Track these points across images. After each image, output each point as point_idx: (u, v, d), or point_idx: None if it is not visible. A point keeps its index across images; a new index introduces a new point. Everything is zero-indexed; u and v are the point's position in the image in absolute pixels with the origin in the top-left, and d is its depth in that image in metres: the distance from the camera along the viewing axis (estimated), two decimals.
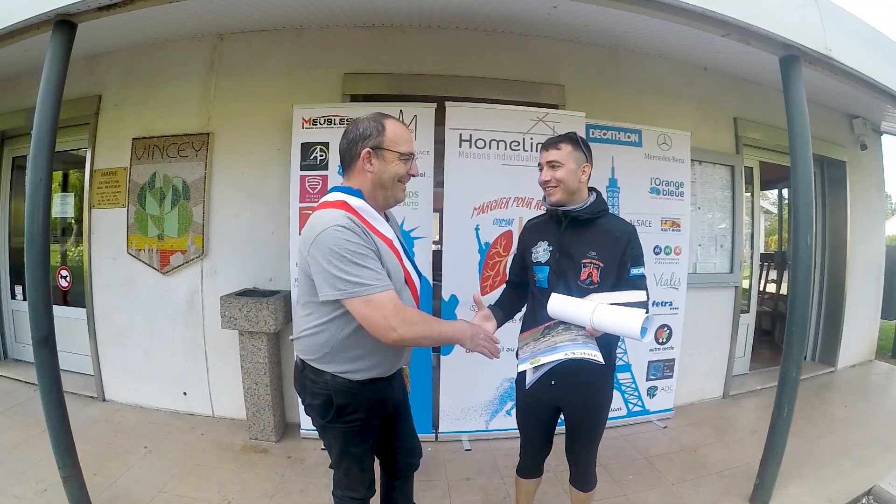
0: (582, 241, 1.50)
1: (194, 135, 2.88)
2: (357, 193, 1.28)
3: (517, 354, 1.58)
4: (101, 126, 3.11)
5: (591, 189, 1.58)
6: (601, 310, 1.28)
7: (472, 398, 2.77)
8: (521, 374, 1.47)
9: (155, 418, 3.00)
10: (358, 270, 1.17)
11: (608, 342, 1.43)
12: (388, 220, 1.42)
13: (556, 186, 1.50)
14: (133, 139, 2.97)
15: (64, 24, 1.86)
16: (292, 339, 1.43)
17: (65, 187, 3.81)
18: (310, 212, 2.35)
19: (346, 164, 1.34)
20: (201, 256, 2.89)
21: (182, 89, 2.96)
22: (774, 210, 7.70)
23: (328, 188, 1.88)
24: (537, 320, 1.51)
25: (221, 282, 2.87)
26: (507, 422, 2.73)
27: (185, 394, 3.03)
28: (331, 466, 1.46)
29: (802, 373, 3.99)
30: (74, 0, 1.76)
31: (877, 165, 4.83)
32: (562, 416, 1.66)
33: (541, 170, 1.55)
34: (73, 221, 3.67)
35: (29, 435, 2.67)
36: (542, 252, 1.55)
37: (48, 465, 2.31)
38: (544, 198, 1.57)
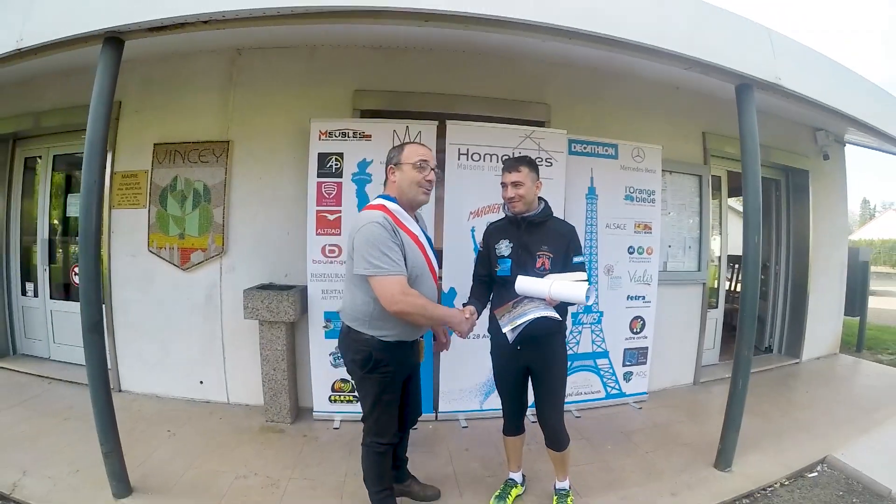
0: (536, 239, 2.09)
1: (215, 142, 3.34)
2: (393, 199, 1.88)
3: (489, 330, 2.22)
4: (122, 130, 3.50)
5: (540, 198, 2.18)
6: (556, 284, 1.87)
7: (467, 381, 3.29)
8: (496, 346, 2.20)
9: (172, 406, 3.39)
10: (380, 257, 1.73)
11: (560, 308, 1.98)
12: (417, 220, 1.99)
13: (518, 201, 2.08)
14: (154, 144, 3.39)
15: (113, 40, 2.14)
16: (339, 312, 2.00)
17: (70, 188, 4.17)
18: (325, 214, 2.88)
19: (385, 181, 1.94)
20: (221, 254, 3.34)
21: (202, 99, 3.40)
22: None
23: (371, 197, 2.46)
24: (503, 300, 2.06)
25: (239, 277, 3.33)
26: (499, 402, 3.06)
27: (201, 382, 3.45)
28: (363, 419, 1.98)
29: (769, 364, 4.73)
30: (127, 21, 2.05)
31: (839, 174, 5.51)
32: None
33: (504, 188, 2.13)
34: None
35: (49, 424, 3.01)
36: (504, 248, 2.12)
37: (75, 450, 2.69)
38: (505, 206, 2.16)
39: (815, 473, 2.90)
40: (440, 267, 3.31)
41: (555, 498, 2.30)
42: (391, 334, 1.87)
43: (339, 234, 3.08)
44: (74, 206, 4.03)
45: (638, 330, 3.66)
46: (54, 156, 4.06)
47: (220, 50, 3.39)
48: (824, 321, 5.36)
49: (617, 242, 3.56)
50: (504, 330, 1.93)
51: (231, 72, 3.37)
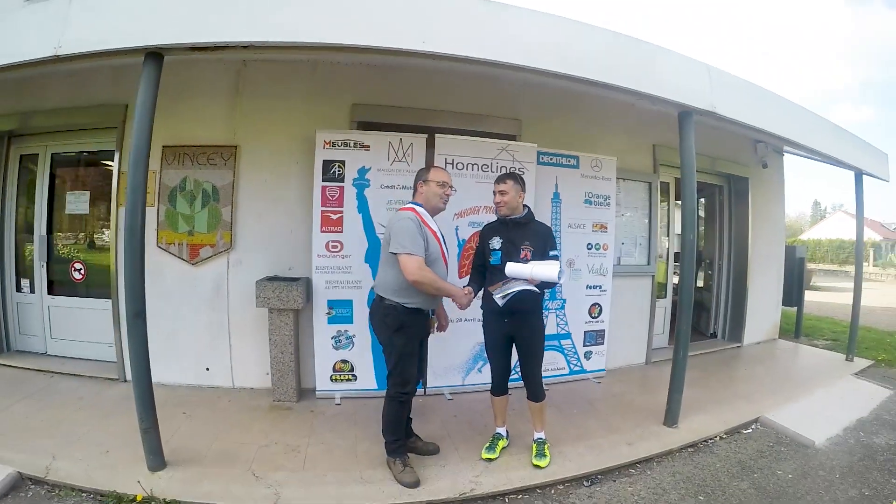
0: (520, 236, 2.76)
1: (223, 146, 3.75)
2: (419, 205, 2.58)
3: (482, 306, 2.90)
4: (129, 132, 3.73)
5: (525, 205, 2.87)
6: (537, 267, 2.56)
7: (451, 360, 3.87)
8: (487, 321, 2.89)
9: (180, 392, 3.74)
10: (407, 242, 2.45)
11: (539, 286, 2.65)
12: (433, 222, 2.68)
13: (503, 206, 2.79)
14: (163, 146, 3.70)
15: (154, 55, 2.44)
16: (373, 287, 2.65)
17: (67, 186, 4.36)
18: (329, 214, 3.45)
19: (414, 190, 2.75)
20: (228, 250, 3.76)
21: (209, 104, 3.78)
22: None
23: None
24: (494, 280, 2.73)
25: (246, 271, 3.76)
26: (478, 378, 3.87)
27: (207, 369, 3.84)
28: (388, 375, 2.59)
29: (713, 347, 5.60)
30: (169, 42, 2.37)
31: (777, 180, 6.44)
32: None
33: (495, 195, 2.83)
34: (86, 218, 4.35)
35: (63, 413, 3.26)
36: (496, 242, 2.81)
37: (97, 435, 2.98)
38: (496, 210, 2.85)
39: (750, 430, 3.64)
40: None
41: (534, 446, 2.91)
42: (413, 301, 2.57)
43: (342, 232, 3.58)
44: (73, 204, 4.30)
45: (596, 315, 4.39)
46: (52, 154, 4.27)
47: (227, 60, 3.73)
48: (763, 311, 6.25)
49: (577, 240, 4.25)
50: (496, 298, 2.66)
51: (237, 81, 3.77)
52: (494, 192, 2.84)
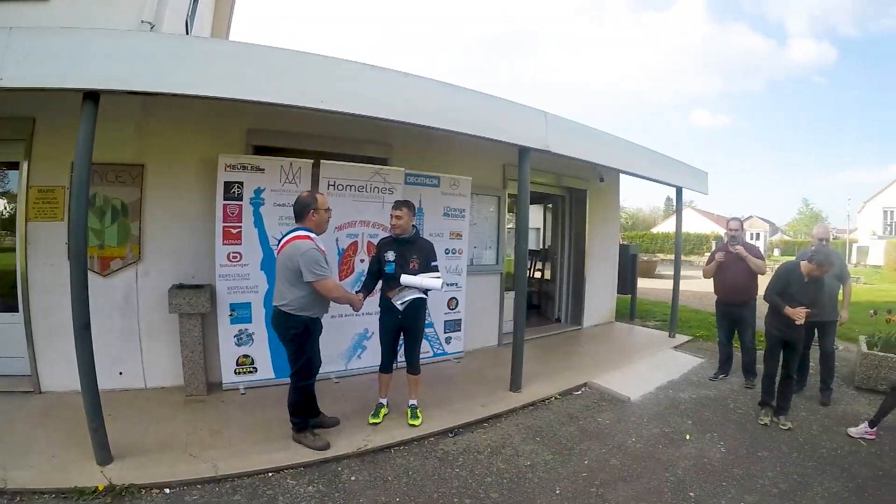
0: (410, 251, 3.91)
1: (130, 165, 4.47)
2: (310, 230, 3.49)
3: (380, 305, 4.13)
4: (37, 147, 4.31)
5: (414, 226, 4.00)
6: (426, 279, 3.79)
7: (336, 348, 5.02)
8: (384, 316, 4.11)
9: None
10: (319, 269, 3.38)
11: (425, 292, 3.92)
12: None
13: (397, 227, 3.89)
14: (72, 163, 3.90)
15: (93, 95, 3.10)
16: (275, 304, 3.51)
17: None
18: (230, 229, 4.85)
19: (301, 216, 3.55)
20: (137, 261, 4.53)
21: (117, 125, 4.26)
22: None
23: (294, 227, 3.70)
24: (391, 287, 3.87)
25: (153, 280, 4.57)
26: (359, 363, 5.14)
27: (121, 373, 4.54)
28: (293, 372, 3.58)
29: (557, 330, 7.92)
30: (106, 87, 3.05)
31: (613, 191, 8.55)
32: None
33: (391, 217, 3.93)
34: None
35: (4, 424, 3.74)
36: (390, 255, 3.91)
37: (38, 444, 3.49)
38: (391, 229, 3.95)
39: (580, 392, 5.20)
40: None
41: (409, 411, 4.14)
42: (315, 313, 3.57)
43: (241, 244, 4.57)
44: None
45: (454, 307, 5.91)
46: None
47: None
48: (601, 298, 8.29)
49: (437, 246, 5.22)
50: (395, 303, 3.87)
51: (144, 103, 4.39)
52: (391, 216, 3.97)
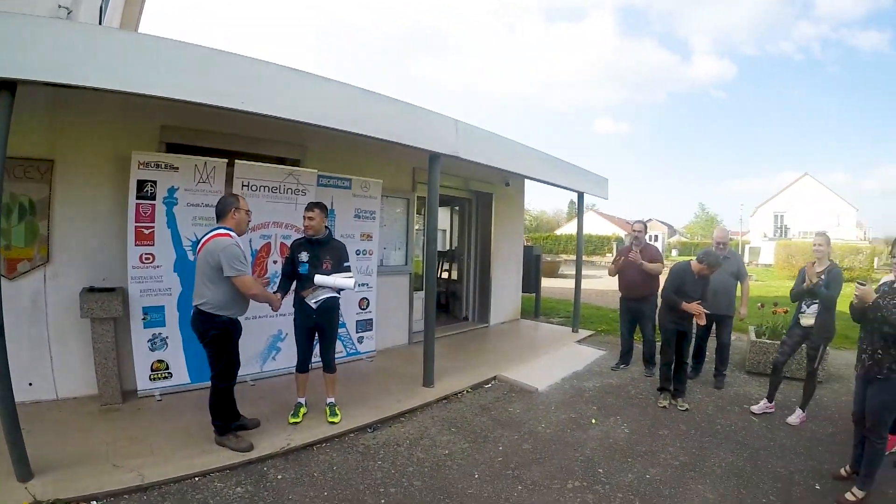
0: (323, 251, 4.07)
1: (38, 160, 4.21)
2: (231, 230, 3.60)
3: (294, 304, 4.24)
4: None
5: (326, 227, 4.16)
6: (339, 279, 3.97)
7: (252, 350, 5.04)
8: (298, 316, 4.22)
9: None
10: (239, 265, 3.48)
11: (338, 292, 4.11)
12: None
13: (310, 228, 4.03)
14: None
15: (9, 84, 2.96)
16: (195, 304, 3.56)
17: None
18: (143, 229, 4.94)
19: (222, 215, 3.66)
20: (46, 263, 4.27)
21: (27, 117, 3.97)
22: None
23: (215, 226, 3.79)
24: (305, 287, 4.02)
25: (63, 283, 4.34)
26: (273, 364, 5.27)
27: (30, 384, 4.24)
28: (214, 374, 3.65)
29: (465, 328, 8.52)
30: (22, 77, 2.91)
31: (518, 195, 9.17)
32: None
33: (304, 219, 4.06)
34: None
35: None
36: (304, 255, 4.06)
37: None
38: (304, 231, 4.09)
39: (490, 385, 5.59)
40: None
41: (327, 409, 4.29)
42: (234, 313, 3.63)
43: (153, 245, 4.51)
44: None
45: (365, 307, 6.15)
46: None
47: None
48: (506, 297, 8.88)
49: (349, 247, 5.40)
50: (310, 302, 3.97)
51: (56, 95, 4.18)
52: (304, 217, 4.07)
